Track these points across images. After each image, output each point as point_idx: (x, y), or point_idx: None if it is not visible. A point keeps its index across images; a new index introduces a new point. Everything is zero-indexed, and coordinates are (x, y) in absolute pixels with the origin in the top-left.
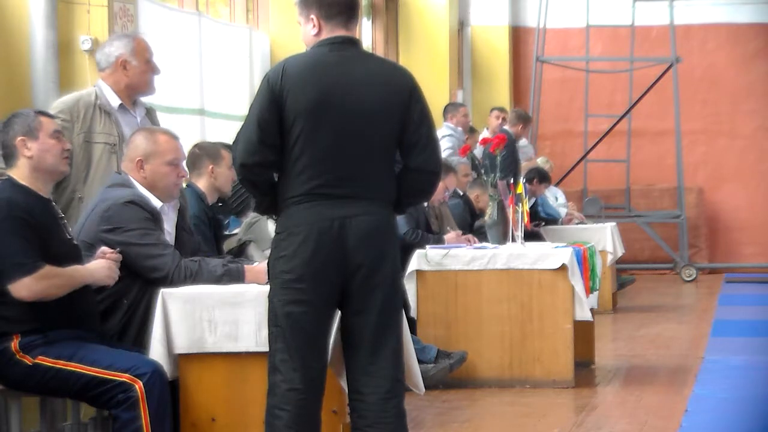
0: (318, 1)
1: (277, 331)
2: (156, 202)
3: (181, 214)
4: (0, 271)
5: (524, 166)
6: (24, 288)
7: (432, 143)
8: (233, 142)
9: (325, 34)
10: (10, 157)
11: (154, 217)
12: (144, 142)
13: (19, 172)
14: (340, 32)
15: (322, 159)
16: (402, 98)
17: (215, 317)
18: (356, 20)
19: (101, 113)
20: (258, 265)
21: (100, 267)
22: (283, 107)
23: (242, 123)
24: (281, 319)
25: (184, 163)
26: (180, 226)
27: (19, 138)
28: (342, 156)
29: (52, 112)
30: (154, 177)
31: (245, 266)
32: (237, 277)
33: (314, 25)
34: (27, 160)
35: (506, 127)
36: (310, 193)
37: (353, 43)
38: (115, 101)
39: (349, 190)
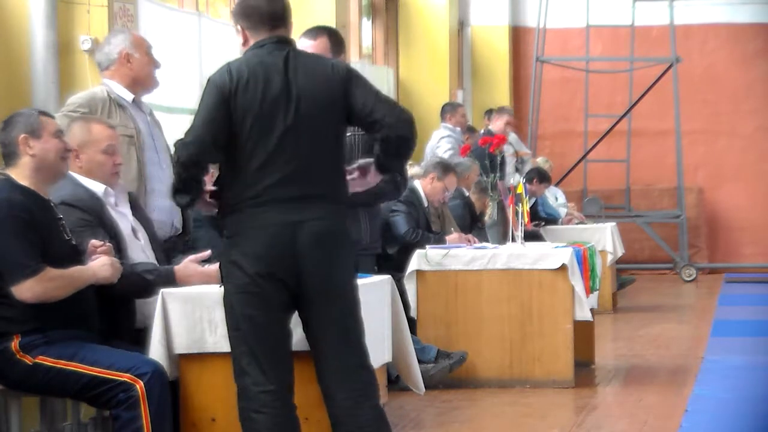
0: (242, 13)
1: (238, 335)
2: (98, 187)
3: (132, 205)
4: (1, 273)
5: (521, 153)
6: (27, 290)
7: (382, 99)
8: (179, 143)
9: (252, 42)
10: (11, 156)
11: (92, 214)
12: (78, 132)
13: (20, 172)
14: (267, 36)
15: (273, 158)
16: (342, 88)
17: (215, 317)
18: (284, 27)
19: (116, 107)
20: (187, 265)
21: (103, 265)
22: (233, 107)
23: (190, 124)
24: (241, 322)
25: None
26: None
27: (21, 136)
28: (292, 155)
29: (69, 107)
30: (91, 166)
31: (174, 267)
32: (168, 279)
33: (242, 36)
34: (29, 159)
35: (491, 127)
36: (262, 195)
37: (287, 42)
38: (128, 96)
39: (301, 191)
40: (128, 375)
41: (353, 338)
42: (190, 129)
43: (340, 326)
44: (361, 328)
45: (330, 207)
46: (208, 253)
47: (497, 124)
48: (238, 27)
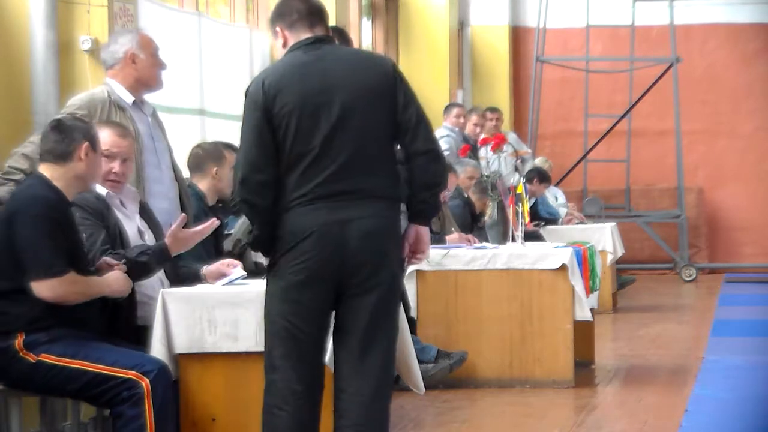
0: (280, 14)
1: (273, 329)
2: (103, 189)
3: (142, 208)
4: (24, 266)
5: (521, 153)
6: (48, 289)
7: (422, 123)
8: (235, 168)
9: (292, 42)
10: (63, 156)
11: (96, 215)
12: None
13: (59, 173)
14: (306, 35)
15: (319, 157)
16: (386, 82)
17: (215, 317)
18: (322, 23)
19: (116, 109)
20: (173, 233)
21: (117, 279)
22: (272, 115)
23: (239, 147)
24: (278, 317)
25: (121, 161)
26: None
27: (85, 144)
28: (338, 152)
29: (68, 110)
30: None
31: (164, 241)
32: (162, 255)
33: (281, 37)
34: (80, 166)
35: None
36: (310, 194)
37: (325, 40)
38: (128, 98)
39: (349, 187)
40: (133, 372)
41: (382, 337)
42: (239, 152)
43: (373, 321)
44: (393, 330)
45: (379, 204)
46: (183, 216)
47: (451, 121)
48: (277, 29)
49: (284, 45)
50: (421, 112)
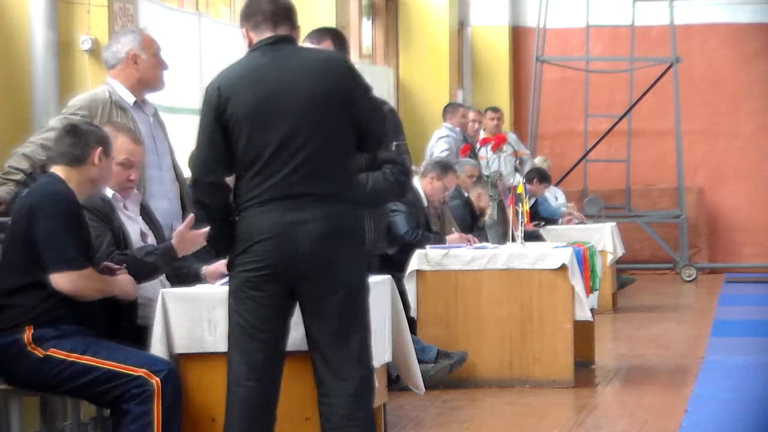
0: (246, 14)
1: (230, 325)
2: (108, 191)
3: (143, 210)
4: (45, 259)
5: (520, 153)
6: (68, 282)
7: (378, 118)
8: (189, 164)
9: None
10: (77, 160)
11: (102, 217)
12: None
13: (69, 176)
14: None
15: (272, 160)
16: (342, 82)
17: (215, 317)
18: (288, 23)
19: (117, 110)
20: (181, 233)
21: (127, 281)
22: (226, 117)
23: (195, 144)
24: (234, 314)
25: (136, 169)
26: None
27: (99, 149)
28: (292, 154)
29: (69, 110)
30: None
31: (171, 242)
32: (168, 255)
33: (246, 38)
34: (93, 170)
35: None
36: (262, 196)
37: (285, 40)
38: (129, 98)
39: (301, 190)
40: (144, 371)
41: (353, 340)
42: (195, 151)
43: (340, 326)
44: (364, 332)
45: (333, 206)
46: (191, 216)
47: (456, 121)
48: (243, 30)
49: (249, 46)
50: (377, 107)
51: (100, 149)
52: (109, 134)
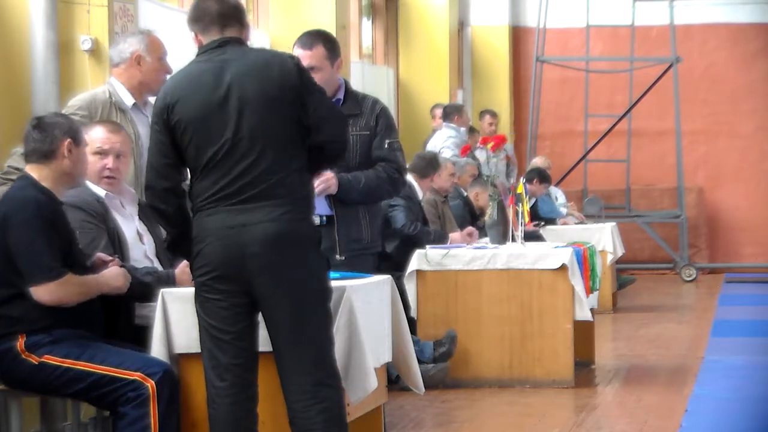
0: (193, 18)
1: (198, 328)
2: (101, 190)
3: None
4: (22, 272)
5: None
6: (47, 293)
7: (328, 114)
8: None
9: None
10: (46, 155)
11: (96, 216)
12: None
13: (45, 173)
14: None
15: (220, 163)
16: (290, 82)
17: None
18: (236, 24)
19: (117, 111)
20: (184, 268)
21: (116, 275)
22: (171, 126)
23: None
24: (198, 317)
25: (115, 156)
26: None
27: (67, 141)
28: (239, 158)
29: (69, 110)
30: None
31: (174, 271)
32: (167, 284)
33: (196, 42)
34: (65, 164)
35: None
36: (210, 199)
37: (231, 42)
38: (129, 100)
39: (248, 193)
40: (139, 374)
41: (310, 349)
42: (148, 158)
43: (291, 333)
44: (322, 340)
45: (281, 207)
46: None
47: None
48: (192, 33)
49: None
50: (329, 104)
51: (68, 140)
52: (79, 125)
